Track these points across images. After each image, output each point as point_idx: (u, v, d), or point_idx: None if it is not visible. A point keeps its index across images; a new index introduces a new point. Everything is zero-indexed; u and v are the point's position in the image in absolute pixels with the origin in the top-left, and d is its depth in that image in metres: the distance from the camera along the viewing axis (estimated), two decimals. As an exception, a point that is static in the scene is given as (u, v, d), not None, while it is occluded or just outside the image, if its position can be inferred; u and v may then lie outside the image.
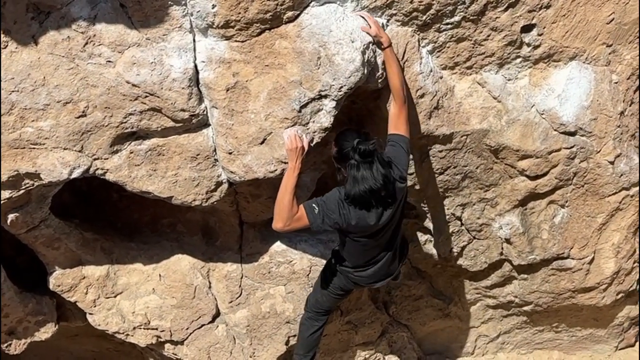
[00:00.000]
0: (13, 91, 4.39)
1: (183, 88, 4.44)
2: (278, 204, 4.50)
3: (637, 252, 6.02)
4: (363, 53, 4.42)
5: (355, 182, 4.31)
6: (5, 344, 6.01)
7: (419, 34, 4.80)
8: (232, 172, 4.75)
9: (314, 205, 4.49)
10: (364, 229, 4.57)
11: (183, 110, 4.51)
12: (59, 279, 5.71)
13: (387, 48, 4.52)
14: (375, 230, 4.64)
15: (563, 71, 5.11)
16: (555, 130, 5.20)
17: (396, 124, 4.60)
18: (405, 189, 4.68)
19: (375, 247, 4.83)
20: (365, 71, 4.46)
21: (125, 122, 4.56)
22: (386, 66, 4.58)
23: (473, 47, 4.92)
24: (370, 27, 4.45)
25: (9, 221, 5.03)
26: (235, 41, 4.42)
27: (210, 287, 5.99)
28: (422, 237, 6.19)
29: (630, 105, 5.26)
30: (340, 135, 4.52)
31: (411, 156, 5.25)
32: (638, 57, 5.12)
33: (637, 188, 5.55)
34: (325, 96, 4.47)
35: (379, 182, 4.28)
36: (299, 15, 4.43)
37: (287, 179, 4.48)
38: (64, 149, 4.60)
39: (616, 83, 5.17)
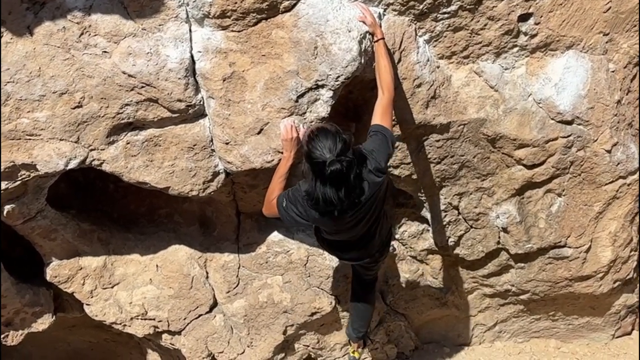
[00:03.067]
0: (8, 82, 4.38)
1: (179, 78, 4.43)
2: (268, 191, 4.54)
3: (634, 240, 6.02)
4: (360, 43, 4.41)
5: (317, 195, 4.15)
6: (3, 335, 6.01)
7: (415, 24, 4.79)
8: (229, 162, 4.74)
9: (284, 199, 4.45)
10: (329, 226, 4.55)
11: (179, 100, 4.51)
12: (55, 270, 5.71)
13: (380, 41, 4.51)
14: (346, 227, 4.57)
15: (560, 60, 5.10)
16: (552, 119, 5.20)
17: (382, 116, 4.44)
18: (384, 180, 4.48)
19: (351, 238, 4.76)
20: (362, 61, 4.46)
21: (122, 113, 4.55)
22: (376, 59, 4.55)
23: (470, 37, 4.91)
24: (366, 17, 4.44)
25: (5, 212, 5.02)
26: (232, 31, 4.41)
27: (207, 278, 5.99)
28: (419, 226, 6.19)
29: (627, 94, 5.26)
30: (314, 136, 4.09)
31: (406, 145, 5.25)
32: (635, 45, 5.12)
33: (634, 176, 5.56)
34: (322, 86, 4.47)
35: (341, 201, 4.13)
36: (295, 4, 4.43)
37: (281, 168, 4.50)
38: (60, 140, 4.59)
39: (613, 72, 5.18)
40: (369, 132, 4.44)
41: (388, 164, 4.53)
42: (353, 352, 6.12)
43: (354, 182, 4.13)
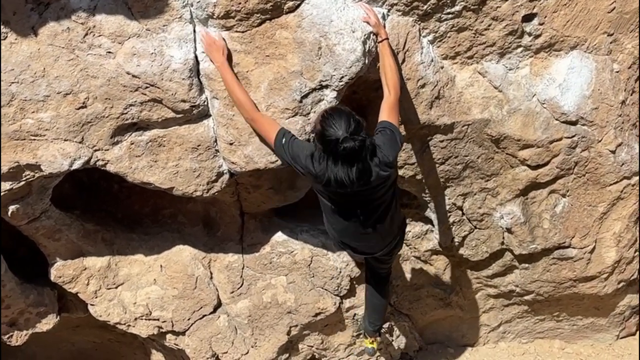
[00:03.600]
0: (13, 82, 4.38)
1: (183, 79, 4.43)
2: (235, 102, 4.47)
3: (638, 241, 6.02)
4: (364, 43, 4.41)
5: (328, 170, 4.15)
6: (7, 336, 6.02)
7: (419, 24, 4.78)
8: (233, 162, 4.74)
9: (283, 138, 4.38)
10: (331, 185, 4.34)
11: (184, 101, 4.51)
12: (60, 270, 5.71)
13: (384, 41, 4.51)
14: (350, 201, 4.53)
15: (564, 60, 5.10)
16: (556, 119, 5.20)
17: (389, 114, 4.46)
18: (392, 175, 4.50)
19: (356, 223, 4.71)
20: (367, 61, 4.45)
21: (126, 113, 4.56)
22: (381, 59, 4.55)
23: (474, 37, 4.91)
24: (370, 18, 4.45)
25: (9, 213, 5.02)
26: (236, 32, 4.41)
27: (211, 278, 5.99)
28: (423, 226, 6.19)
29: (631, 94, 5.25)
30: (328, 115, 4.11)
31: (411, 146, 5.25)
32: (639, 46, 5.11)
33: (638, 177, 5.55)
34: (326, 86, 4.46)
35: (350, 179, 4.12)
36: (299, 5, 4.42)
37: (225, 76, 4.39)
38: (65, 140, 4.60)
39: (617, 72, 5.17)
40: (376, 129, 4.43)
41: (396, 159, 4.49)
42: (371, 344, 6.14)
43: (366, 164, 4.15)
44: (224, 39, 4.40)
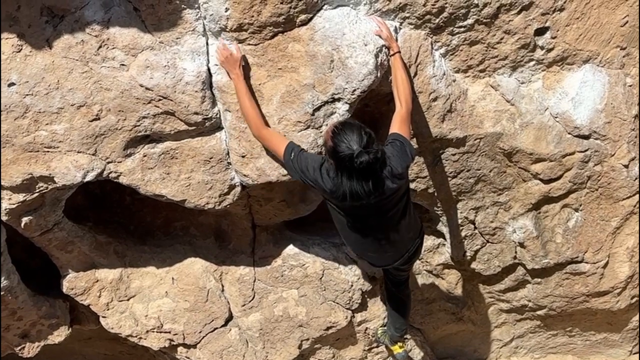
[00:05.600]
0: (27, 95, 4.41)
1: (196, 91, 4.45)
2: (244, 117, 4.46)
3: (652, 256, 5.99)
4: (376, 56, 4.41)
5: (343, 189, 4.12)
6: (19, 347, 6.03)
7: (431, 37, 4.79)
8: (245, 175, 4.75)
9: (292, 153, 4.34)
10: (339, 199, 4.33)
11: (196, 113, 4.52)
12: (72, 282, 5.73)
13: (396, 54, 4.52)
14: (362, 214, 4.48)
15: (577, 74, 5.09)
16: (569, 133, 5.18)
17: (400, 126, 4.43)
18: (403, 186, 4.46)
19: (369, 236, 4.67)
20: (379, 74, 4.46)
21: (139, 126, 4.58)
22: (393, 72, 4.55)
23: (486, 50, 4.91)
24: (382, 31, 4.46)
25: (23, 224, 5.05)
26: (248, 44, 4.43)
27: (223, 291, 5.99)
28: (435, 240, 6.18)
29: (644, 109, 5.24)
30: (339, 130, 4.03)
31: (423, 159, 5.25)
32: (653, 60, 5.11)
33: (651, 192, 5.54)
34: (339, 99, 4.47)
35: (368, 195, 4.11)
36: (312, 18, 4.44)
37: (238, 89, 4.38)
38: (78, 152, 4.62)
39: (630, 86, 5.15)
40: (386, 141, 4.39)
41: (407, 171, 4.45)
42: (401, 348, 6.09)
43: (381, 175, 4.12)
44: (241, 52, 4.40)
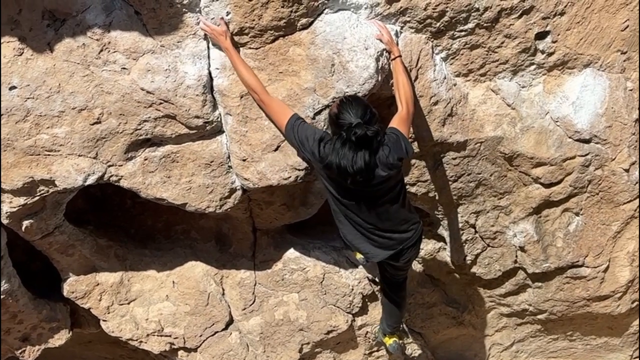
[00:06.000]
0: (28, 98, 4.42)
1: (197, 95, 4.45)
2: (245, 85, 4.44)
3: (652, 260, 5.99)
4: (377, 60, 4.42)
5: (334, 153, 4.12)
6: (19, 351, 6.03)
7: (432, 41, 4.79)
8: (246, 178, 4.75)
9: (295, 123, 4.32)
10: (332, 171, 4.30)
11: (197, 117, 4.53)
12: (73, 286, 5.73)
13: (397, 58, 4.52)
14: (354, 203, 4.49)
15: (577, 78, 5.09)
16: (569, 137, 5.18)
17: (398, 124, 4.44)
18: (393, 177, 4.41)
19: (361, 226, 4.65)
20: (379, 78, 4.46)
21: (140, 129, 4.58)
22: (395, 76, 4.56)
23: (487, 54, 4.91)
24: (383, 35, 4.46)
25: (23, 227, 5.05)
26: (250, 48, 4.44)
27: (223, 294, 5.99)
28: (435, 244, 6.18)
29: (645, 113, 5.24)
30: (346, 101, 4.21)
31: (424, 163, 5.25)
32: (653, 64, 5.11)
33: (652, 196, 5.53)
34: (340, 103, 4.47)
35: (354, 168, 4.09)
36: (312, 22, 4.45)
37: (232, 60, 4.38)
38: (79, 155, 4.62)
39: (631, 90, 5.15)
40: (384, 133, 4.39)
41: (400, 164, 4.42)
42: (391, 337, 6.02)
43: (372, 158, 4.15)
44: (225, 23, 4.34)
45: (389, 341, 6.02)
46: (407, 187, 5.29)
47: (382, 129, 4.19)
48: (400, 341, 6.08)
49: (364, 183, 4.26)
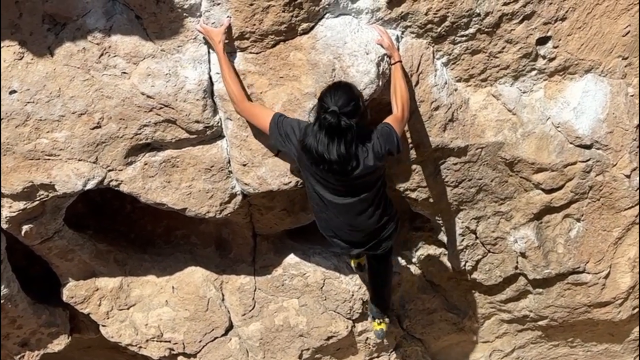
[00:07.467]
0: (28, 102, 4.41)
1: (198, 99, 4.45)
2: (226, 89, 4.41)
3: (653, 266, 5.97)
4: (378, 65, 4.41)
5: (312, 136, 4.13)
6: (19, 356, 6.02)
7: (433, 46, 4.79)
8: (246, 183, 4.75)
9: (278, 120, 4.31)
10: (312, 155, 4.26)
11: (197, 121, 4.52)
12: (72, 291, 5.72)
13: (397, 63, 4.51)
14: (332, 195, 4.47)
15: (579, 84, 5.08)
16: (570, 143, 5.17)
17: (392, 121, 4.43)
18: (379, 169, 4.43)
19: (336, 208, 4.58)
20: (380, 83, 4.46)
21: (140, 134, 4.57)
22: (393, 81, 4.53)
23: (488, 60, 4.90)
24: (384, 40, 4.45)
25: (23, 232, 5.04)
26: (250, 53, 4.43)
27: (223, 300, 5.98)
28: (436, 250, 6.17)
29: (646, 118, 5.23)
30: (336, 86, 4.17)
31: (424, 168, 5.24)
32: (655, 70, 5.11)
33: (654, 202, 5.52)
34: (340, 108, 4.46)
35: (330, 156, 4.08)
36: (313, 27, 4.44)
37: (220, 62, 4.36)
38: (79, 160, 4.62)
39: (632, 96, 5.15)
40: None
41: (386, 157, 4.43)
42: (379, 325, 6.01)
43: (349, 150, 4.12)
44: (228, 26, 4.31)
45: (376, 327, 6.02)
46: (407, 192, 5.30)
47: (354, 123, 4.11)
48: (385, 330, 6.08)
49: (343, 173, 4.25)
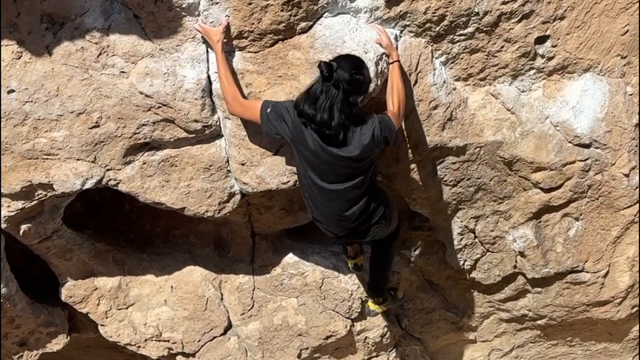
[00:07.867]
0: (27, 102, 4.41)
1: (196, 99, 4.44)
2: (221, 87, 4.41)
3: (652, 265, 5.97)
4: (376, 64, 4.40)
5: (307, 96, 4.17)
6: (17, 355, 6.02)
7: (432, 45, 4.78)
8: (244, 183, 4.75)
9: (268, 107, 4.31)
10: (305, 145, 4.32)
11: (196, 121, 4.52)
12: (71, 290, 5.72)
13: (395, 63, 4.50)
14: (321, 166, 4.40)
15: (577, 83, 5.08)
16: (569, 142, 5.17)
17: (390, 115, 4.42)
18: (370, 160, 4.43)
19: (326, 195, 4.55)
20: (379, 82, 4.45)
21: (138, 133, 4.57)
22: (389, 80, 4.52)
23: (487, 59, 4.90)
24: (382, 39, 4.45)
25: (21, 232, 5.04)
26: (249, 52, 4.42)
27: (222, 299, 5.98)
28: (435, 249, 6.16)
29: (645, 117, 5.23)
30: (348, 56, 4.25)
31: (423, 168, 5.23)
32: (653, 69, 5.10)
33: (652, 201, 5.52)
34: (339, 107, 4.45)
35: (320, 113, 4.09)
36: (312, 26, 4.43)
37: (218, 66, 4.36)
38: (77, 159, 4.61)
39: (631, 95, 5.14)
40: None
41: (379, 147, 4.43)
42: (374, 305, 6.00)
43: (337, 113, 4.12)
44: (226, 26, 4.31)
45: (371, 305, 6.02)
46: (406, 191, 5.29)
47: (363, 112, 4.21)
48: (378, 311, 6.08)
49: (330, 141, 4.23)
